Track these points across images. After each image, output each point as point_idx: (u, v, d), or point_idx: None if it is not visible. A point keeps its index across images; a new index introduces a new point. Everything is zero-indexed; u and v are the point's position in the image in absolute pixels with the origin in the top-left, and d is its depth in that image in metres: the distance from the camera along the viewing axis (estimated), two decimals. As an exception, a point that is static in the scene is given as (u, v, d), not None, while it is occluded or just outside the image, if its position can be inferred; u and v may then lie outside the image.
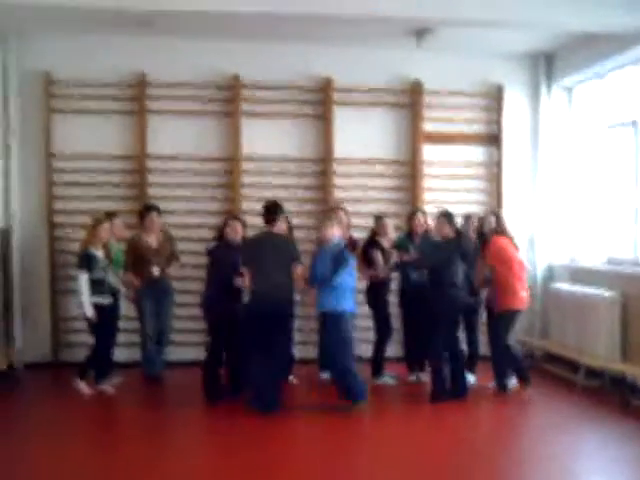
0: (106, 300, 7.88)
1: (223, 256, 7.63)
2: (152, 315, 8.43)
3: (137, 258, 8.35)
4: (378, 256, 8.41)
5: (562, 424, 6.97)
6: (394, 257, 8.43)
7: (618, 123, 8.90)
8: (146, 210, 8.52)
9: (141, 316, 8.48)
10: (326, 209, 8.95)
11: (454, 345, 7.82)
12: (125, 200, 9.29)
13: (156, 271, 8.32)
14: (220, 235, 7.97)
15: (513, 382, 7.95)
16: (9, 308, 8.98)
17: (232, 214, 8.45)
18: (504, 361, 7.86)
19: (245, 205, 9.31)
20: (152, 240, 8.45)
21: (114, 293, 8.09)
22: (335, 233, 7.54)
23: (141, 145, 9.26)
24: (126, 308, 8.60)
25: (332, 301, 7.32)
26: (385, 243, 8.52)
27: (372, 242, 8.51)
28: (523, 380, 7.82)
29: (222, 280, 7.51)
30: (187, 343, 9.17)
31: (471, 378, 8.29)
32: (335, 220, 7.85)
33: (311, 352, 8.93)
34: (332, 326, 7.32)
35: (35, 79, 9.09)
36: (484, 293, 8.13)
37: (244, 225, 7.99)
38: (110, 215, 8.36)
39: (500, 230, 8.00)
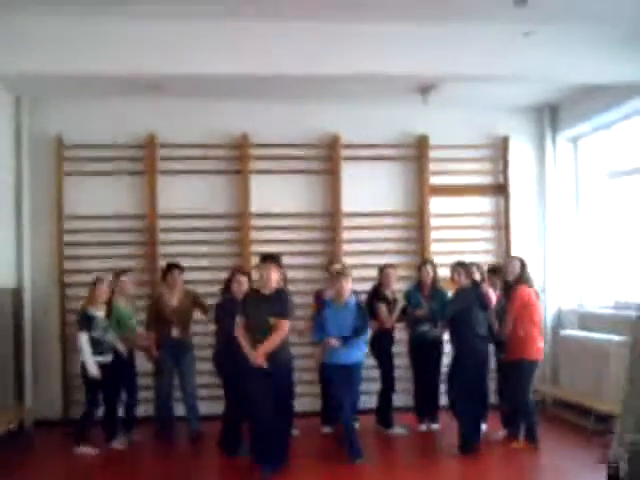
0: (107, 358, 7.92)
1: (227, 310, 7.61)
2: (168, 372, 8.41)
3: (158, 316, 8.38)
4: (382, 308, 8.49)
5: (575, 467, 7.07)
6: (399, 307, 8.53)
7: (623, 172, 8.97)
8: (168, 268, 8.53)
9: (157, 373, 8.49)
10: (328, 264, 8.89)
11: (484, 395, 7.87)
12: (136, 258, 9.38)
13: (175, 332, 8.32)
14: (226, 289, 8.00)
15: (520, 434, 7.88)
16: (20, 366, 9.00)
17: (238, 268, 8.47)
18: (522, 413, 7.77)
19: (255, 260, 9.34)
20: (174, 299, 8.44)
21: (115, 351, 8.06)
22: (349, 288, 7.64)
23: (151, 204, 9.38)
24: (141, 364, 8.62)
25: (359, 353, 7.57)
26: (389, 294, 8.58)
27: (376, 293, 8.58)
28: (531, 438, 7.73)
29: (227, 334, 7.45)
30: (212, 397, 9.07)
31: (483, 426, 8.25)
32: (349, 275, 7.90)
33: (306, 405, 8.98)
34: (358, 377, 7.57)
35: (47, 142, 9.27)
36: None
37: (250, 279, 8.00)
38: (119, 273, 8.44)
39: (524, 278, 7.93)
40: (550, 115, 10.07)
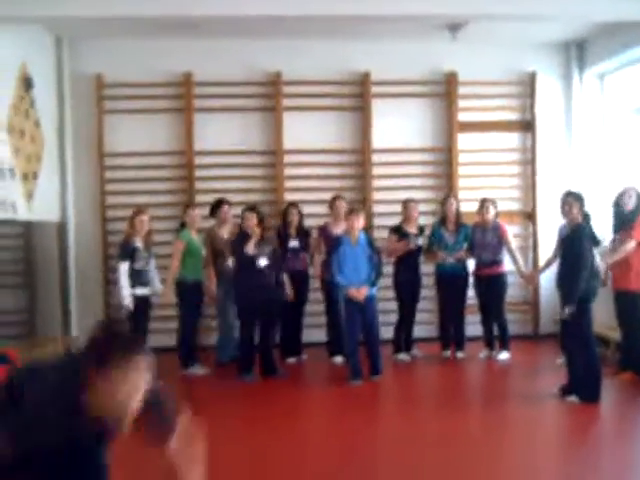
0: (146, 291, 8.17)
1: (238, 246, 8.14)
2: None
3: (213, 250, 8.70)
4: (391, 238, 8.93)
5: None
6: (413, 241, 8.88)
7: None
8: (218, 204, 8.87)
9: (221, 306, 8.81)
10: (332, 201, 9.09)
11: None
12: (173, 193, 9.77)
13: (230, 262, 8.49)
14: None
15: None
16: (66, 299, 9.48)
17: (249, 206, 8.57)
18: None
19: (289, 196, 9.71)
20: (225, 232, 8.76)
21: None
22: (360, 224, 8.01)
23: (188, 141, 9.72)
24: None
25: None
26: (410, 229, 8.94)
27: (396, 228, 8.98)
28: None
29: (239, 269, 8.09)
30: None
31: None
32: (362, 211, 8.29)
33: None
34: (373, 309, 7.97)
35: (87, 81, 9.59)
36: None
37: (261, 216, 8.29)
38: (188, 206, 8.83)
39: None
40: (577, 51, 10.17)
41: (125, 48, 9.58)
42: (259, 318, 8.11)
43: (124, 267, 8.01)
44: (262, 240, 8.14)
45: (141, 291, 8.12)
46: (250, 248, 8.02)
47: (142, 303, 8.12)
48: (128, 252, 8.07)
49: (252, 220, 8.09)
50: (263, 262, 8.04)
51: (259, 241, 8.09)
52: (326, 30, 9.25)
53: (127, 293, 7.96)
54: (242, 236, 8.16)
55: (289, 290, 8.54)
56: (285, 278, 8.49)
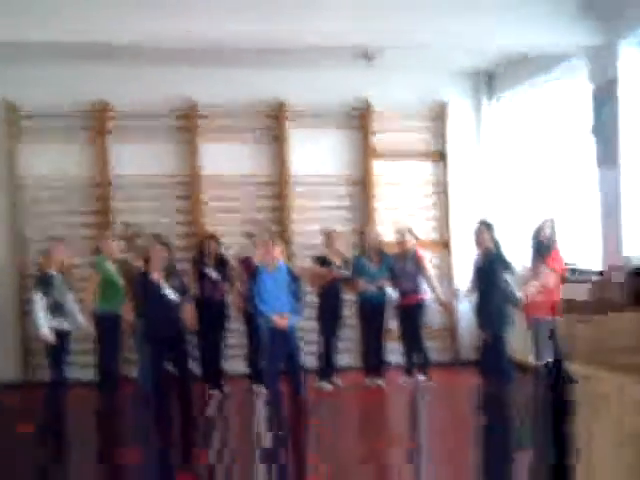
0: (64, 325, 7.95)
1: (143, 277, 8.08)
2: None
3: (129, 282, 8.43)
4: (314, 267, 9.00)
5: None
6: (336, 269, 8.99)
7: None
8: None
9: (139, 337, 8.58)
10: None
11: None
12: (89, 226, 9.60)
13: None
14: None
15: None
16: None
17: (155, 236, 8.54)
18: None
19: (208, 227, 9.67)
20: (139, 263, 8.49)
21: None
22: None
23: (104, 170, 9.60)
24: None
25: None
26: (333, 258, 9.05)
27: (317, 258, 9.10)
28: None
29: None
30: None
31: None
32: (278, 240, 8.37)
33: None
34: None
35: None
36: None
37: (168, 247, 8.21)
38: (103, 235, 8.72)
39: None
40: (486, 80, 10.51)
41: (37, 74, 9.26)
42: (168, 350, 7.98)
43: (38, 298, 7.80)
44: (169, 271, 8.03)
45: (59, 324, 7.91)
46: (155, 279, 7.91)
47: (60, 336, 7.89)
48: (43, 282, 7.87)
49: (162, 251, 7.98)
50: (169, 293, 7.92)
51: (166, 272, 7.98)
52: (239, 59, 9.17)
53: (43, 324, 7.75)
54: (146, 267, 8.04)
55: (192, 320, 8.30)
56: (190, 308, 8.28)
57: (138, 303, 8.03)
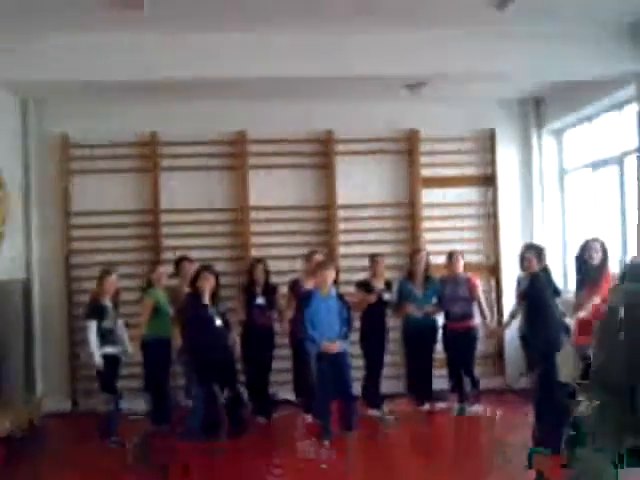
0: (116, 350, 8.15)
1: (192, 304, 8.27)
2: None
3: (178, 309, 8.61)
4: (358, 293, 8.97)
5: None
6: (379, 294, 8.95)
7: (604, 162, 9.34)
8: (180, 260, 8.98)
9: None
10: (308, 255, 9.15)
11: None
12: (139, 251, 9.79)
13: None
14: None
15: None
16: (30, 358, 9.37)
17: (204, 265, 8.61)
18: None
19: (255, 252, 9.79)
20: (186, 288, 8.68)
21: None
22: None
23: (154, 200, 9.79)
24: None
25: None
26: (377, 283, 9.03)
27: (362, 283, 9.06)
28: None
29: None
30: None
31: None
32: (332, 264, 8.39)
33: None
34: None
35: (53, 141, 9.66)
36: None
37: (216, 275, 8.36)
38: (154, 264, 8.90)
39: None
40: (534, 108, 10.46)
41: (90, 109, 9.59)
42: (217, 378, 8.08)
43: (92, 326, 7.98)
44: (216, 299, 8.20)
45: (110, 350, 8.08)
46: (206, 305, 8.07)
47: (111, 362, 8.08)
48: (96, 311, 8.06)
49: (210, 280, 8.14)
50: (217, 322, 8.07)
51: (213, 300, 8.13)
52: (289, 91, 9.35)
53: (96, 352, 7.94)
54: (195, 295, 8.18)
55: (237, 346, 8.56)
56: (236, 338, 8.53)
57: (188, 329, 8.15)
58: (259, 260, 9.08)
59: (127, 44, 7.63)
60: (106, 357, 8.01)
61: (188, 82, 8.44)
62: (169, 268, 9.01)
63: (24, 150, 9.54)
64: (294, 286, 8.91)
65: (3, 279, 8.82)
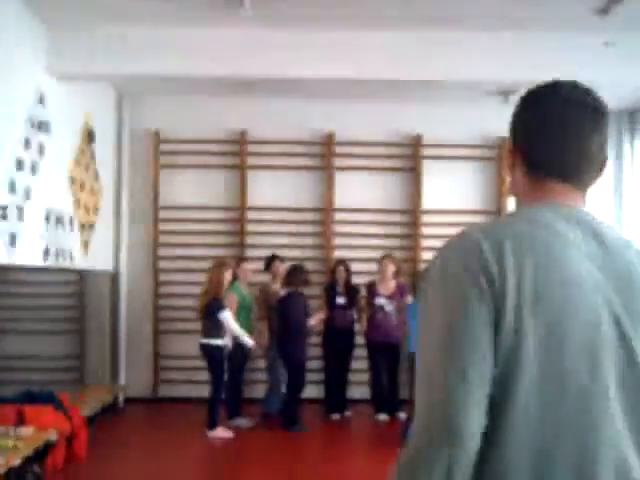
0: (228, 342, 8.22)
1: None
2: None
3: (268, 306, 8.80)
4: None
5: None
6: None
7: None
8: (272, 258, 9.08)
9: (271, 360, 8.87)
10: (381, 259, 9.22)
11: None
12: (224, 247, 9.93)
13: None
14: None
15: None
16: (116, 346, 9.65)
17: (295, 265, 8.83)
18: None
19: (338, 253, 9.84)
20: (278, 287, 8.80)
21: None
22: None
23: (242, 197, 9.94)
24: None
25: None
26: None
27: None
28: None
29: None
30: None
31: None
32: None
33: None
34: None
35: (146, 136, 9.90)
36: None
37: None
38: (240, 260, 9.01)
39: None
40: (628, 120, 10.23)
41: (183, 105, 9.83)
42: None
43: (229, 314, 8.08)
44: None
45: (221, 342, 8.15)
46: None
47: (236, 351, 8.28)
48: (220, 305, 8.07)
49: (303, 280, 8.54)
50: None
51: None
52: (379, 93, 9.38)
53: (243, 333, 8.14)
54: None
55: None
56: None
57: (280, 325, 8.39)
58: (341, 261, 9.18)
59: (224, 41, 7.74)
60: (217, 348, 8.09)
61: (278, 81, 8.54)
62: (254, 265, 9.12)
63: (118, 144, 9.85)
64: (369, 289, 9.03)
65: (93, 269, 9.10)
